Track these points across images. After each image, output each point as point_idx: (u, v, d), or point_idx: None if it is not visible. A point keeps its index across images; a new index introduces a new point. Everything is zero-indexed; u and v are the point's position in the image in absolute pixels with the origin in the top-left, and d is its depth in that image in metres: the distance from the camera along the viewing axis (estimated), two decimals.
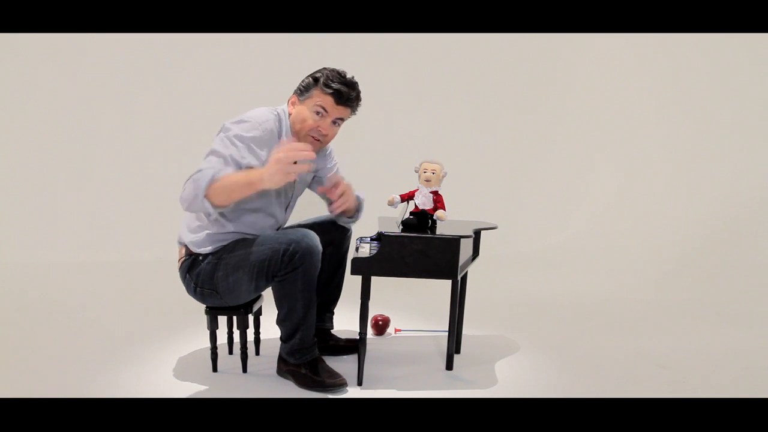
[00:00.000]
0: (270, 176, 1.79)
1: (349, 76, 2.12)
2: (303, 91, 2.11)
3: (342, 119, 2.14)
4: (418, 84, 5.09)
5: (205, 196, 1.84)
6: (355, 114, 2.17)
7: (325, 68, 2.13)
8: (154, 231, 4.29)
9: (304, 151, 1.80)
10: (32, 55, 4.43)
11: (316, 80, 2.09)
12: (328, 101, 2.07)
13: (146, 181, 4.63)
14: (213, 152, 1.96)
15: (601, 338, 2.81)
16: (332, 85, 2.05)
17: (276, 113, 2.12)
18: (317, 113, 2.08)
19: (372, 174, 4.80)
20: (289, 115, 2.14)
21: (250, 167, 1.93)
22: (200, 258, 2.10)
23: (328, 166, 2.34)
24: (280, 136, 2.11)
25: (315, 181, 2.35)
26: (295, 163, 1.80)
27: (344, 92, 2.07)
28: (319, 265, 2.04)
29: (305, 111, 2.09)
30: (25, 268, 3.90)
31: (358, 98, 2.12)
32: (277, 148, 1.84)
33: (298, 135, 2.12)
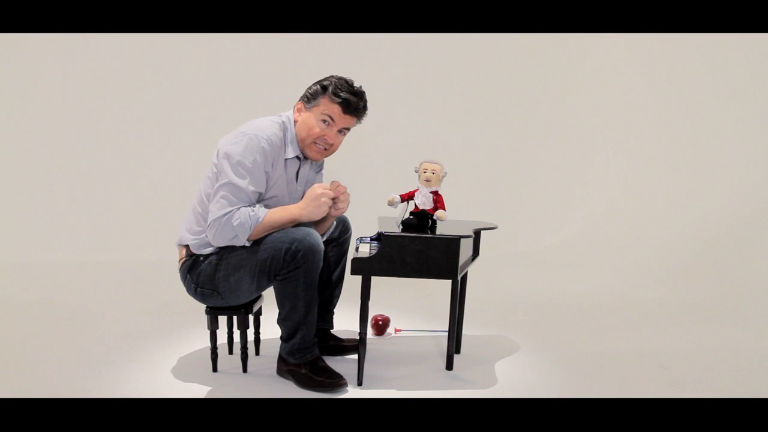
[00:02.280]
0: (310, 214, 2.01)
1: (356, 85, 2.12)
2: (310, 98, 2.11)
3: (348, 129, 2.15)
4: (418, 84, 5.09)
5: (248, 238, 1.97)
6: (360, 123, 2.17)
7: (332, 76, 2.12)
8: (154, 231, 4.30)
9: (342, 194, 2.08)
10: (32, 55, 4.43)
11: (324, 88, 2.08)
12: (336, 110, 2.07)
13: (146, 181, 4.63)
14: (230, 185, 1.97)
15: (601, 338, 2.81)
16: (341, 94, 2.06)
17: (281, 122, 2.12)
18: (324, 122, 2.08)
19: (372, 174, 4.81)
20: (295, 122, 2.13)
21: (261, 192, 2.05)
22: (201, 258, 2.10)
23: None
24: (285, 145, 2.11)
25: None
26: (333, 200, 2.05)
27: (352, 102, 2.07)
28: (321, 264, 2.05)
29: (311, 119, 2.09)
30: (25, 268, 3.90)
31: (365, 108, 2.13)
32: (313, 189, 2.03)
33: (303, 143, 2.12)
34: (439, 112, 5.15)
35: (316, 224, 2.24)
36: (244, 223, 1.95)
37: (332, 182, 2.15)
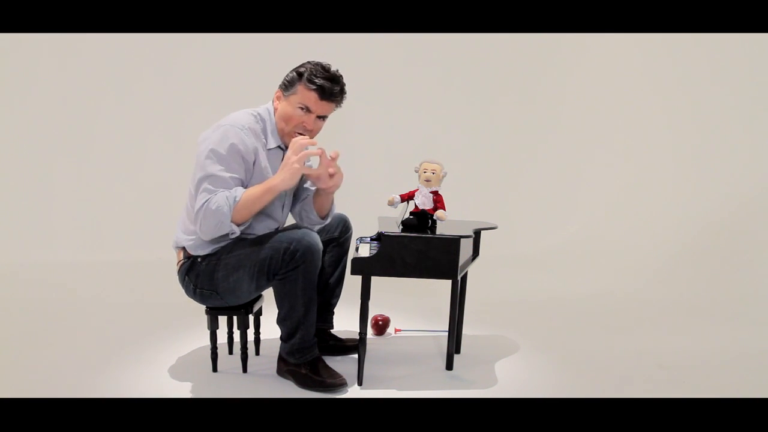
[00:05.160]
0: (284, 180, 1.93)
1: (333, 69, 2.09)
2: (287, 86, 2.08)
3: (326, 115, 2.12)
4: (417, 84, 5.09)
5: (231, 220, 1.92)
6: (340, 107, 2.14)
7: (309, 62, 2.09)
8: (154, 231, 4.29)
9: (309, 146, 1.96)
10: (32, 55, 4.43)
11: (300, 75, 2.06)
12: (312, 97, 2.04)
13: (146, 181, 4.63)
14: (210, 176, 1.95)
15: (601, 338, 2.80)
16: (316, 80, 2.02)
17: (257, 113, 2.11)
18: (301, 109, 2.06)
19: (372, 174, 4.80)
20: (275, 110, 2.12)
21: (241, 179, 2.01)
22: (199, 260, 2.10)
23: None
24: (265, 135, 2.10)
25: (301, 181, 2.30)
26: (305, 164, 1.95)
27: (327, 88, 2.04)
28: (320, 263, 2.04)
29: (289, 108, 2.07)
30: (25, 268, 3.90)
31: (342, 92, 2.10)
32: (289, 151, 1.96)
33: (282, 131, 2.11)
34: (439, 112, 5.14)
35: (316, 203, 2.20)
36: (222, 205, 1.91)
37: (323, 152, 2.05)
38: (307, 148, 1.97)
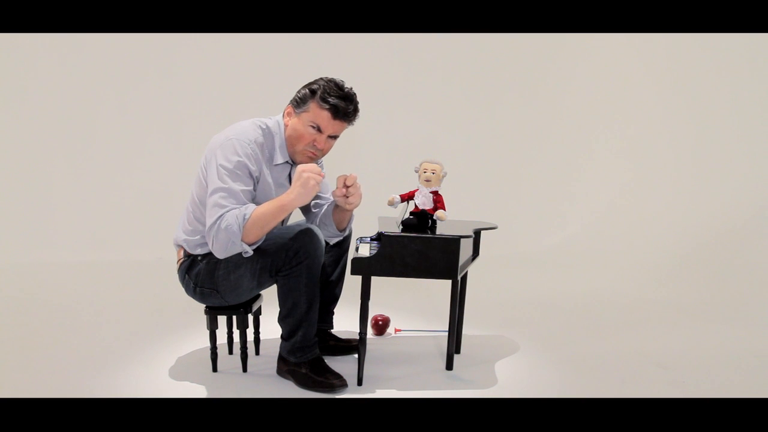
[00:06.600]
0: (298, 196, 1.92)
1: (347, 86, 2.06)
2: (299, 102, 2.05)
3: (338, 134, 2.10)
4: (418, 84, 5.09)
5: (242, 239, 1.90)
6: (352, 125, 2.11)
7: (321, 78, 2.06)
8: (154, 231, 4.29)
9: (351, 186, 2.03)
10: (32, 55, 4.43)
11: (312, 92, 2.02)
12: (325, 116, 2.01)
13: (146, 181, 4.63)
14: (220, 189, 1.93)
15: (601, 338, 2.80)
16: (329, 99, 1.99)
17: (265, 126, 2.09)
18: (313, 128, 2.03)
19: (372, 174, 4.80)
20: (286, 126, 2.10)
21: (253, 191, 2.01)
22: (199, 258, 2.10)
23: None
24: (271, 149, 2.08)
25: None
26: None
27: (341, 107, 2.00)
28: (323, 259, 2.04)
29: (300, 126, 2.04)
30: (25, 268, 3.90)
31: (355, 111, 2.06)
32: (299, 170, 1.94)
33: (293, 149, 2.09)
34: (439, 112, 5.15)
35: (334, 216, 2.20)
36: (232, 224, 1.88)
37: (338, 178, 2.07)
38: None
